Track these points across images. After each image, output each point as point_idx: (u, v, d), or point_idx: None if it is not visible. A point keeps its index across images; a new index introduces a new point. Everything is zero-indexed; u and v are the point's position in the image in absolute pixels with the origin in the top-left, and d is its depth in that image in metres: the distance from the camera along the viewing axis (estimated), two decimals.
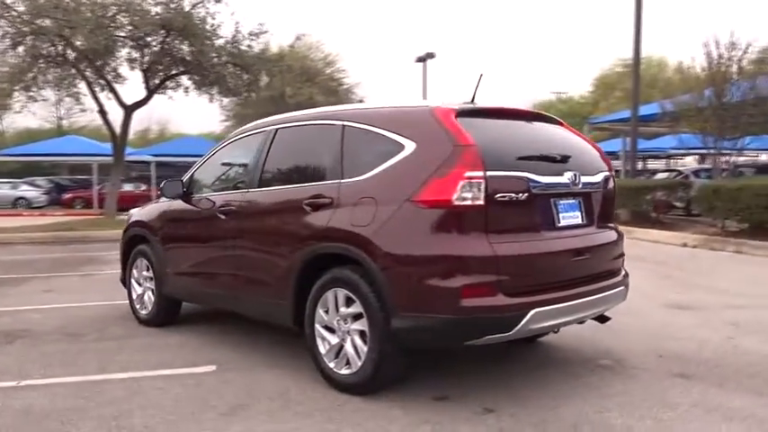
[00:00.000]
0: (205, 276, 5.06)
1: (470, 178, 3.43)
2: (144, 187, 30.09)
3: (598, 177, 4.16)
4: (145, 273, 5.84)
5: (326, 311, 4.00)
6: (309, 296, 4.08)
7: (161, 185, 5.48)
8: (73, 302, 6.98)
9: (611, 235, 4.23)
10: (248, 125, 5.26)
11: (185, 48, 17.04)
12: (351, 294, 3.82)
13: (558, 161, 3.88)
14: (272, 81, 20.15)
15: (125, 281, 6.18)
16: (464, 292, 3.37)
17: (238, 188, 4.89)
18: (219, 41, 17.18)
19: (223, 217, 4.84)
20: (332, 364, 3.97)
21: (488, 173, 3.46)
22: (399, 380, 3.91)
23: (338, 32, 76.12)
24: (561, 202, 3.85)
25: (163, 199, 5.94)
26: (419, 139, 3.68)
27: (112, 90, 17.47)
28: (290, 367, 4.43)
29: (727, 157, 14.54)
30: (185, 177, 5.45)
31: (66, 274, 9.27)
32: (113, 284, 8.21)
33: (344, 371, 3.90)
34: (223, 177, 5.33)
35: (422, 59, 37.56)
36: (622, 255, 4.35)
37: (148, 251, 5.75)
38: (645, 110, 18.62)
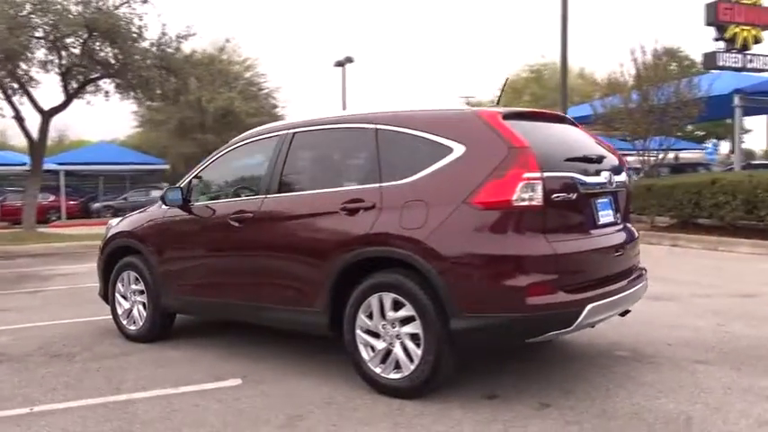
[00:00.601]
0: (215, 287, 4.87)
1: (529, 179, 3.52)
2: (52, 198, 28.43)
3: (623, 176, 4.37)
4: (134, 286, 5.55)
5: (370, 316, 3.96)
6: (349, 302, 4.03)
7: (163, 192, 5.23)
8: (38, 321, 6.52)
9: (633, 231, 4.45)
10: (253, 130, 5.12)
11: (109, 50, 16.26)
12: (400, 298, 3.81)
13: (595, 161, 4.04)
14: (188, 85, 19.58)
15: (106, 296, 5.84)
16: (530, 290, 3.46)
17: (251, 194, 4.75)
18: (145, 44, 16.51)
19: (236, 224, 4.68)
20: (378, 369, 3.94)
21: (544, 174, 3.56)
22: (447, 381, 3.94)
23: (256, 36, 75.06)
24: (599, 201, 4.02)
25: (152, 207, 5.69)
26: (469, 142, 3.73)
27: (27, 94, 16.39)
28: (319, 375, 4.35)
29: (655, 157, 15.52)
30: (182, 185, 5.23)
31: (11, 291, 8.63)
32: (70, 300, 7.78)
33: (394, 375, 3.88)
34: (229, 184, 5.16)
35: (340, 64, 37.63)
36: (639, 251, 4.58)
37: (139, 263, 5.46)
38: (573, 112, 19.51)
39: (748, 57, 26.30)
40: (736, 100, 15.08)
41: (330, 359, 4.65)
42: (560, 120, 4.39)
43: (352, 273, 4.02)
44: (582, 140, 4.25)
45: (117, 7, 15.85)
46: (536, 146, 3.65)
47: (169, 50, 16.85)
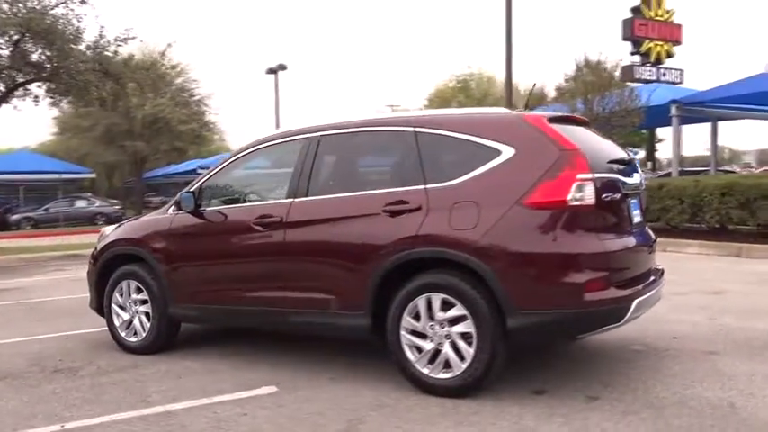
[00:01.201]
0: (237, 294, 4.74)
1: (582, 180, 3.66)
2: None
3: (642, 177, 4.60)
4: (135, 296, 5.32)
5: (416, 317, 3.98)
6: (393, 304, 4.04)
7: (179, 197, 5.04)
8: (11, 338, 6.12)
9: (652, 232, 4.68)
10: (271, 134, 5.04)
11: (44, 52, 15.48)
12: (450, 298, 3.85)
13: (626, 163, 4.24)
14: (126, 90, 18.92)
15: (100, 308, 5.57)
16: (587, 286, 3.59)
17: (276, 198, 4.68)
18: (82, 46, 15.83)
19: (260, 229, 4.60)
20: (425, 370, 3.96)
21: (594, 174, 3.71)
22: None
23: (188, 42, 73.19)
24: (631, 201, 4.21)
25: (154, 213, 5.50)
26: (518, 145, 3.83)
27: None
28: (352, 379, 4.33)
29: None
30: (192, 190, 5.07)
31: None
32: (35, 315, 7.34)
33: (443, 375, 3.91)
34: (248, 188, 5.05)
35: (273, 71, 37.27)
36: None
37: (142, 272, 5.25)
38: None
39: (662, 70, 27.80)
40: (673, 110, 16.01)
41: (354, 362, 4.66)
42: (586, 124, 4.57)
43: (396, 274, 4.03)
44: (609, 143, 4.45)
45: (53, 7, 15.15)
46: (581, 148, 3.80)
47: (107, 54, 16.23)
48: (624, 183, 4.02)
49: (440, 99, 51.70)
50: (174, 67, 27.41)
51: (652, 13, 26.91)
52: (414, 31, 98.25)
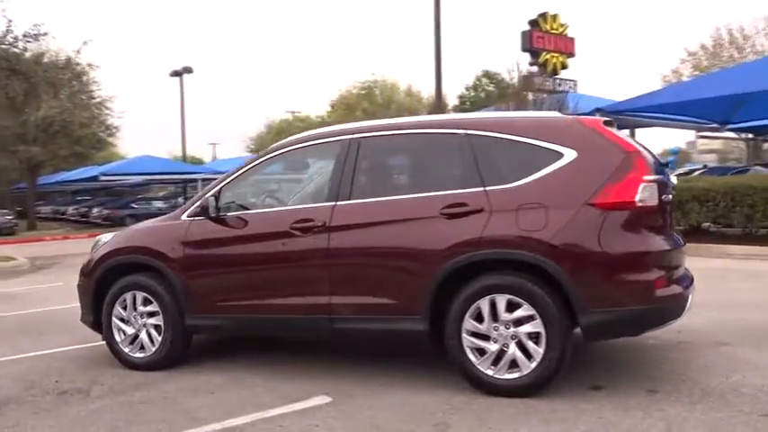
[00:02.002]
0: (272, 301, 4.54)
1: (648, 181, 3.82)
2: None
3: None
4: (142, 308, 4.96)
5: (478, 319, 4.00)
6: (453, 306, 4.03)
7: (202, 201, 4.74)
8: None
9: None
10: (299, 136, 4.89)
11: None
12: (516, 298, 3.90)
13: (664, 166, 4.47)
14: (38, 89, 17.66)
15: (97, 323, 5.16)
16: (657, 283, 3.75)
17: (314, 202, 4.54)
18: None
19: (299, 234, 4.44)
20: (489, 371, 3.97)
21: (655, 176, 3.89)
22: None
23: (91, 43, 68.76)
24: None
25: (160, 219, 5.20)
26: (580, 148, 3.94)
27: None
28: (402, 384, 4.27)
29: None
30: (210, 195, 4.81)
31: None
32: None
33: (509, 375, 3.94)
34: (276, 192, 4.87)
35: (178, 74, 35.97)
36: None
37: (151, 282, 4.91)
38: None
39: (558, 81, 29.34)
40: (597, 116, 16.86)
41: (389, 367, 4.61)
42: (621, 128, 4.77)
43: (456, 277, 4.03)
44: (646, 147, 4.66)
45: None
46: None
47: (15, 50, 15.06)
48: (673, 185, 4.24)
49: (344, 105, 51.90)
50: (74, 68, 25.72)
51: (548, 27, 28.18)
52: (318, 37, 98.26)
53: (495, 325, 3.96)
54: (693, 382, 4.10)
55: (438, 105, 17.95)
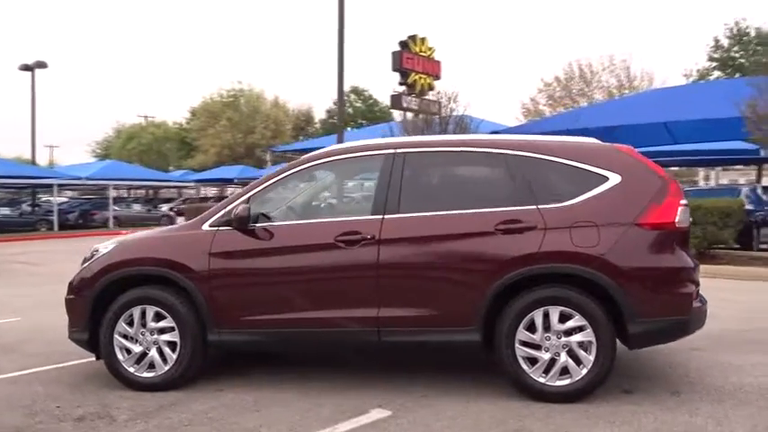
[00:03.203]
0: (314, 314, 4.46)
1: (683, 205, 4.30)
2: None
3: None
4: (153, 324, 4.64)
5: (530, 330, 4.23)
6: (506, 318, 4.23)
7: (238, 212, 4.51)
8: None
9: None
10: (335, 148, 4.84)
11: None
12: (569, 310, 4.19)
13: None
14: None
15: (94, 341, 4.74)
16: (693, 295, 4.22)
17: (358, 214, 4.55)
18: None
19: (344, 246, 4.43)
20: (542, 379, 4.22)
21: (686, 201, 4.38)
22: None
23: None
24: None
25: (175, 227, 4.93)
26: (623, 172, 4.33)
27: None
28: (455, 394, 4.39)
29: None
30: (238, 205, 4.63)
31: None
32: None
33: (561, 382, 4.20)
34: (315, 203, 4.77)
35: (29, 68, 32.97)
36: None
37: (165, 296, 4.62)
38: (319, 143, 20.63)
39: (424, 101, 30.65)
40: None
41: (418, 378, 4.70)
42: None
43: (511, 290, 4.25)
44: None
45: None
46: None
47: None
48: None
49: (207, 112, 50.27)
50: None
51: (417, 49, 29.09)
52: (176, 41, 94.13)
53: (547, 335, 4.22)
54: (703, 384, 4.61)
55: (340, 120, 18.06)
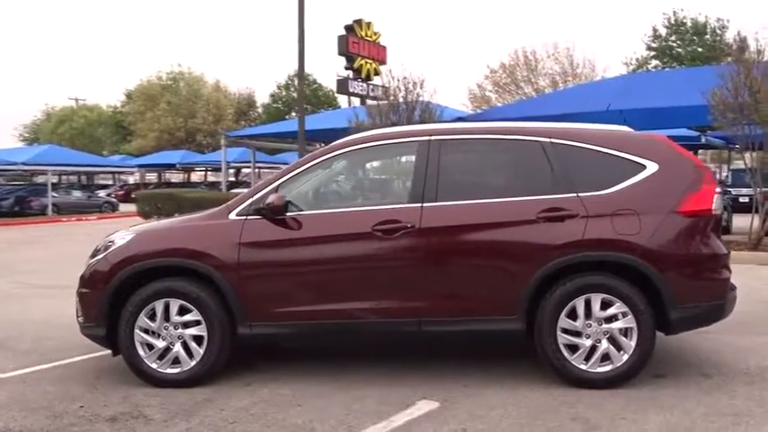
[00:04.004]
0: (352, 305, 4.34)
1: (718, 193, 4.39)
2: None
3: None
4: (177, 318, 4.43)
5: (572, 317, 4.25)
6: (548, 305, 4.24)
7: (269, 201, 4.32)
8: None
9: None
10: (366, 135, 4.71)
11: None
12: (609, 297, 4.23)
13: None
14: None
15: (111, 336, 4.49)
16: (728, 280, 4.33)
17: (395, 203, 4.46)
18: None
19: (382, 235, 4.33)
20: (583, 366, 4.25)
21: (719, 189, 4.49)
22: None
23: None
24: None
25: (199, 216, 4.72)
26: (661, 161, 4.38)
27: None
28: (496, 383, 4.37)
29: None
30: (267, 193, 4.46)
31: None
32: None
33: (602, 368, 4.24)
34: (349, 191, 4.63)
35: None
36: None
37: (191, 288, 4.41)
38: (276, 127, 20.28)
39: (371, 86, 30.48)
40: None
41: (452, 366, 4.68)
42: None
43: (554, 277, 4.26)
44: None
45: None
46: None
47: None
48: None
49: (144, 95, 48.53)
50: None
51: (363, 33, 28.81)
52: (108, 22, 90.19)
53: (588, 322, 4.25)
54: (727, 367, 4.73)
55: (300, 106, 17.73)
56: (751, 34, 11.22)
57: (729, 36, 32.57)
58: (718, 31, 36.48)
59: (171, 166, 43.13)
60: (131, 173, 43.70)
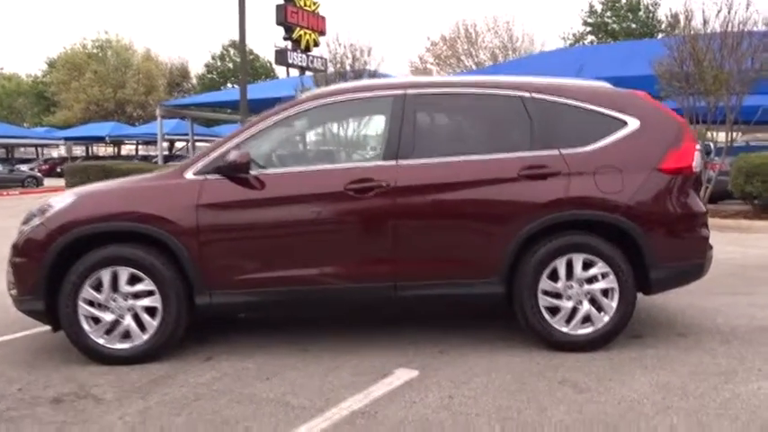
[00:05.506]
0: (323, 270, 4.02)
1: (698, 150, 4.27)
2: None
3: None
4: (127, 288, 4.02)
5: (553, 278, 4.08)
6: (529, 267, 4.05)
7: (210, 160, 3.94)
8: None
9: None
10: (337, 88, 4.36)
11: None
12: (591, 257, 4.06)
13: None
14: None
15: (51, 311, 4.03)
16: (709, 239, 4.24)
17: (368, 160, 4.16)
18: None
19: (354, 194, 4.02)
20: (564, 328, 4.10)
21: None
22: None
23: None
24: None
25: (138, 179, 4.30)
26: (642, 117, 4.22)
27: None
28: (472, 349, 4.16)
29: None
30: (229, 150, 4.07)
31: None
32: None
33: (583, 330, 4.08)
34: (317, 148, 4.27)
35: None
36: None
37: (142, 255, 4.00)
38: (217, 96, 19.51)
39: (310, 57, 29.79)
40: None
41: (427, 331, 4.47)
42: None
43: (535, 238, 4.06)
44: None
45: None
46: None
47: None
48: None
49: (69, 64, 46.05)
50: None
51: (302, 3, 27.98)
52: None
53: (569, 283, 4.09)
54: (700, 326, 4.66)
55: (243, 73, 17.01)
56: (682, 11, 11.32)
57: (661, 13, 33.45)
58: (650, 8, 37.42)
59: (100, 140, 41.13)
60: (56, 146, 41.44)
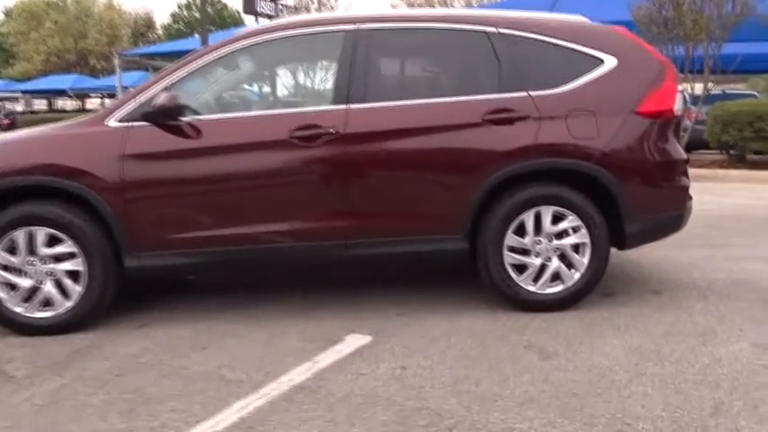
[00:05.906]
0: (265, 228, 3.62)
1: (680, 91, 3.89)
2: None
3: None
4: (45, 250, 3.58)
5: (520, 234, 3.72)
6: (494, 221, 3.68)
7: (146, 101, 3.46)
8: None
9: None
10: (280, 23, 3.86)
11: None
12: (562, 210, 3.71)
13: None
14: None
15: None
16: (689, 189, 3.90)
17: (316, 104, 3.70)
18: None
19: (299, 143, 3.59)
20: (531, 287, 3.76)
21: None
22: None
23: None
24: None
25: (56, 126, 3.82)
26: (619, 55, 3.81)
27: None
28: (428, 311, 3.83)
29: None
30: (157, 93, 3.59)
31: None
32: None
33: (552, 289, 3.76)
34: (258, 93, 3.81)
35: None
36: None
37: (61, 213, 3.55)
38: (177, 45, 18.73)
39: (279, 6, 28.71)
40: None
41: (383, 295, 4.12)
42: None
43: (501, 189, 3.69)
44: None
45: None
46: None
47: None
48: None
49: (27, 14, 44.02)
50: None
51: None
52: None
53: (537, 239, 3.74)
54: (675, 282, 4.38)
55: (203, 17, 16.15)
56: None
57: None
58: None
59: (62, 93, 39.57)
60: (16, 99, 39.85)
